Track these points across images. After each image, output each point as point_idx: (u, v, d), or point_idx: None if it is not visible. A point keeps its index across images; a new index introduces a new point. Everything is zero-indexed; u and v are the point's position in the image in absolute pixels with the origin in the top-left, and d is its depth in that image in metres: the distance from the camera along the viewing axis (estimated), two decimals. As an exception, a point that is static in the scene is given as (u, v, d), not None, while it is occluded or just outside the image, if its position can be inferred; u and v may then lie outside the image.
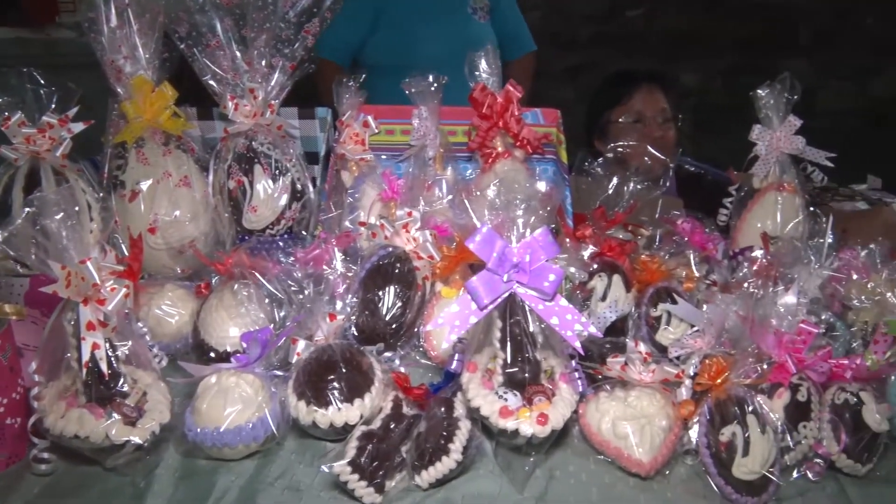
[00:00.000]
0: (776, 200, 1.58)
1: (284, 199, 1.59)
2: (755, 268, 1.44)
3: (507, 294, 1.14)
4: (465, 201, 1.23)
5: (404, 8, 2.81)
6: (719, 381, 1.15)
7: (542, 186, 1.52)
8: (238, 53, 1.55)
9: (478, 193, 1.30)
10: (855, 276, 1.35)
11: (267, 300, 1.35)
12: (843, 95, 4.33)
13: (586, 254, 1.48)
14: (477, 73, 1.63)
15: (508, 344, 1.17)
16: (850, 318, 1.39)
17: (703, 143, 3.92)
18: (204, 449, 1.16)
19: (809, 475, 1.14)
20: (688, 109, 3.96)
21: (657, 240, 1.59)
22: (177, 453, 1.18)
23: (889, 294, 1.27)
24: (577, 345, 1.14)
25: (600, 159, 1.71)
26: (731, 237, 1.62)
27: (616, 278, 1.44)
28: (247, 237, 1.58)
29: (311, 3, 1.56)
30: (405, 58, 1.56)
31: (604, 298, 1.42)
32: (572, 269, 1.43)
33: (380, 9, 2.83)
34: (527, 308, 1.16)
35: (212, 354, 1.34)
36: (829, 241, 1.43)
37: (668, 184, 1.69)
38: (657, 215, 1.70)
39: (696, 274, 1.50)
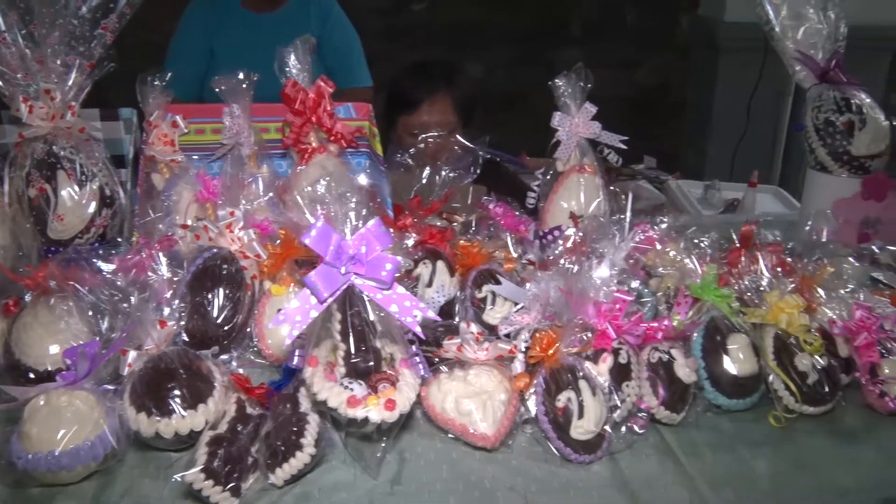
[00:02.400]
0: (579, 181, 1.69)
1: (93, 206, 1.52)
2: (568, 245, 1.53)
3: (345, 286, 1.16)
4: (297, 197, 1.24)
5: (234, 47, 2.96)
6: (551, 352, 1.24)
7: (363, 179, 1.56)
8: (28, 51, 1.45)
9: (308, 189, 1.31)
10: (658, 246, 1.48)
11: (89, 312, 1.29)
12: (612, 84, 4.66)
13: (409, 242, 1.52)
14: (287, 68, 1.63)
15: (349, 335, 1.19)
16: (653, 285, 1.52)
17: (489, 131, 4.11)
18: (37, 476, 1.10)
19: (636, 428, 1.25)
20: (479, 99, 4.13)
21: (473, 225, 1.67)
22: (3, 485, 1.11)
23: (686, 259, 1.40)
24: (418, 329, 1.18)
25: (411, 150, 1.76)
26: (539, 218, 1.71)
27: (440, 264, 1.50)
28: (54, 248, 1.49)
29: (107, -1, 1.50)
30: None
31: (430, 284, 1.47)
32: (399, 258, 1.47)
33: (213, 48, 2.89)
34: (365, 298, 1.18)
35: (31, 375, 1.26)
36: (629, 216, 1.56)
37: (477, 172, 1.77)
38: (469, 202, 1.78)
39: (514, 255, 1.59)
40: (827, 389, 1.31)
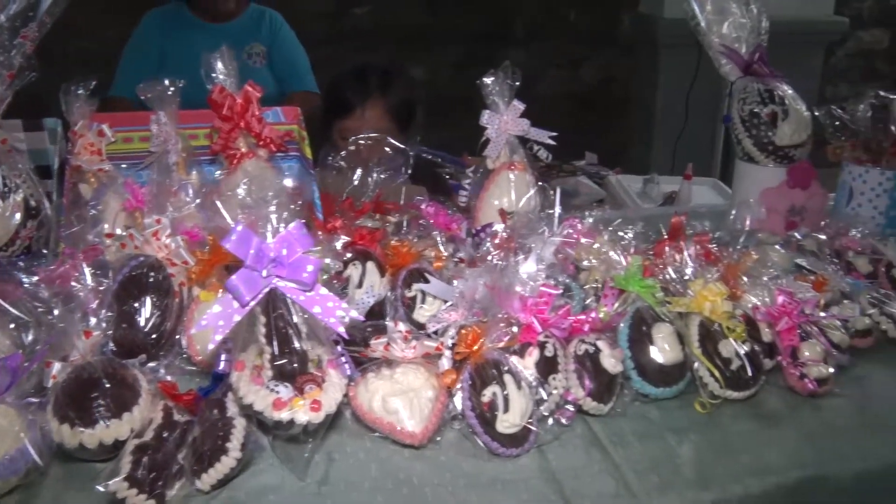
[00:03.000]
0: (509, 178, 1.70)
1: (17, 218, 1.50)
2: (496, 241, 1.54)
3: (267, 289, 1.16)
4: (217, 203, 1.23)
5: (183, 53, 2.90)
6: (476, 347, 1.24)
7: (289, 182, 1.55)
8: (-59, 62, 1.44)
9: (229, 194, 1.31)
10: (583, 240, 1.49)
11: (12, 325, 1.27)
12: (559, 82, 4.70)
13: (339, 244, 1.52)
14: (214, 74, 1.62)
15: (274, 338, 1.19)
16: (582, 279, 1.53)
17: (436, 132, 4.12)
18: (-45, 493, 1.08)
19: (563, 420, 1.26)
20: (419, 101, 4.13)
21: (405, 225, 1.67)
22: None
23: (612, 252, 1.42)
24: (342, 330, 1.18)
25: (343, 153, 1.76)
26: (472, 216, 1.72)
27: (370, 265, 1.50)
28: (-24, 262, 1.47)
29: (26, 7, 1.48)
30: (185, 103, 1.57)
31: (360, 285, 1.47)
32: (327, 260, 1.47)
33: (163, 52, 2.96)
34: (288, 300, 1.18)
35: (-52, 391, 1.24)
36: (558, 211, 1.57)
37: (409, 172, 1.77)
38: (402, 202, 1.78)
39: (444, 253, 1.59)
40: (750, 374, 1.33)
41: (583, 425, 1.28)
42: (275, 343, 1.19)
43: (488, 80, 1.72)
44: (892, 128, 1.87)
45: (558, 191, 1.61)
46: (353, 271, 1.49)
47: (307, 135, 1.75)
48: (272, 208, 1.20)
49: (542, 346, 1.29)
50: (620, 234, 1.49)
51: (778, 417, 1.32)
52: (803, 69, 4.18)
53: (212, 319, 1.15)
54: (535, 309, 1.31)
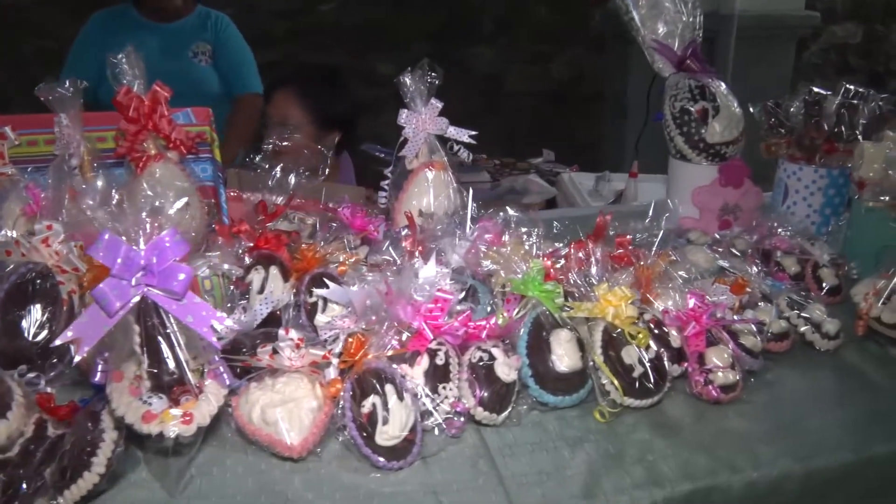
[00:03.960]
0: (427, 178, 1.65)
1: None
2: (406, 244, 1.50)
3: (137, 298, 1.12)
4: (85, 208, 1.19)
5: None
6: (358, 356, 1.20)
7: (187, 185, 1.51)
8: None
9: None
10: (491, 242, 1.44)
11: None
12: (527, 78, 4.63)
13: (242, 249, 1.47)
14: (119, 74, 1.57)
15: (149, 348, 1.14)
16: (494, 283, 1.48)
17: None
18: None
19: (452, 431, 1.21)
20: (387, 98, 4.08)
21: (317, 228, 1.63)
22: None
23: (515, 256, 1.37)
24: (214, 339, 1.14)
25: (261, 153, 1.72)
26: (391, 218, 1.68)
27: (273, 270, 1.45)
28: None
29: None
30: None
31: (261, 291, 1.43)
32: (226, 266, 1.43)
33: (110, 53, 2.95)
34: (161, 310, 1.14)
35: None
36: (472, 212, 1.53)
37: (326, 172, 1.73)
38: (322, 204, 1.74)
39: (355, 256, 1.54)
40: (653, 382, 1.28)
41: (475, 436, 1.23)
42: (151, 353, 1.15)
43: (405, 79, 1.66)
44: (825, 125, 1.81)
45: (470, 191, 1.57)
46: (255, 277, 1.44)
47: (248, 136, 1.72)
48: (143, 215, 1.15)
49: (433, 354, 1.24)
50: (524, 236, 1.43)
51: (678, 426, 1.27)
52: (775, 64, 4.12)
53: (79, 329, 1.11)
54: (428, 315, 1.26)
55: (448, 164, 1.69)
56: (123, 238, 1.13)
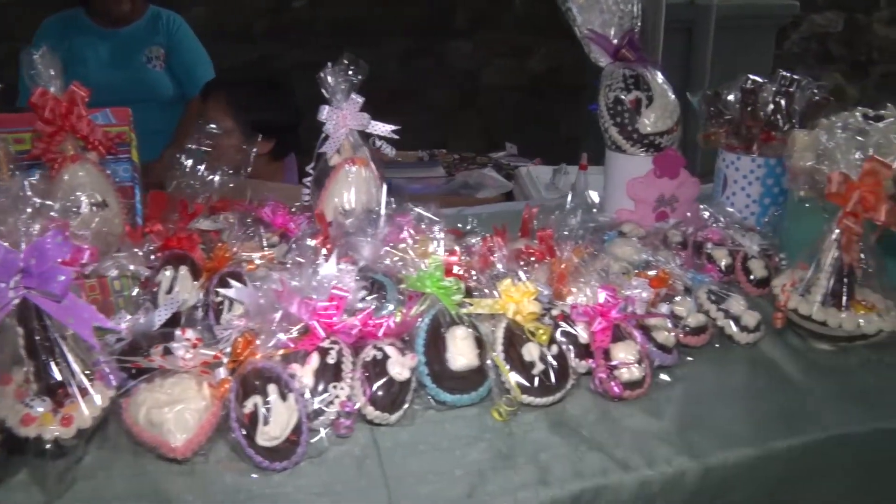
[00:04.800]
0: (349, 174, 1.62)
1: None
2: (316, 242, 1.47)
3: (17, 301, 1.10)
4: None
5: (84, 60, 3.03)
6: (244, 355, 1.18)
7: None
8: None
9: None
10: (395, 239, 1.42)
11: None
12: (505, 72, 4.59)
13: (152, 249, 1.46)
14: (34, 74, 1.55)
15: (33, 351, 1.13)
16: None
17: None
18: None
19: (341, 431, 1.19)
20: (364, 94, 4.05)
21: (235, 226, 1.60)
22: None
23: (413, 253, 1.34)
24: (94, 341, 1.12)
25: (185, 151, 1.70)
26: (314, 215, 1.65)
27: (183, 270, 1.43)
28: None
29: None
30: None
31: (170, 291, 1.41)
32: (131, 267, 1.42)
33: (64, 60, 2.95)
34: (44, 313, 1.12)
35: None
36: (385, 209, 1.50)
37: (248, 170, 1.71)
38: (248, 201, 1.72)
39: (270, 255, 1.52)
40: (554, 379, 1.25)
41: (367, 436, 1.21)
42: (35, 357, 1.13)
43: (326, 74, 1.63)
44: (762, 113, 1.77)
45: (384, 187, 1.54)
46: (164, 277, 1.42)
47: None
48: (24, 216, 1.14)
49: (324, 352, 1.22)
50: (429, 232, 1.40)
51: (579, 424, 1.23)
52: (755, 54, 4.07)
53: (-45, 333, 1.09)
54: (323, 313, 1.24)
55: (371, 159, 1.66)
56: (5, 242, 1.11)
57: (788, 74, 1.78)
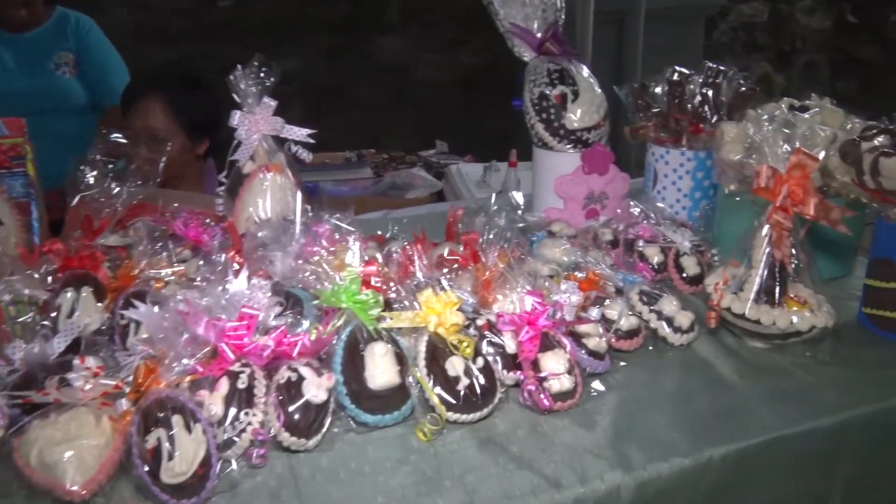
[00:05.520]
0: (264, 182, 1.54)
1: None
2: (230, 255, 1.39)
3: None
4: None
5: None
6: (146, 384, 1.09)
7: None
8: None
9: None
10: (311, 252, 1.34)
11: None
12: (438, 67, 4.52)
13: (49, 270, 1.35)
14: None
15: None
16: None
17: (312, 124, 3.94)
18: None
19: (254, 461, 1.11)
20: (293, 94, 3.95)
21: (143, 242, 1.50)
22: None
23: (326, 266, 1.26)
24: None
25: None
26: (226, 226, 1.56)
27: (86, 291, 1.33)
28: None
29: None
30: None
31: (71, 315, 1.31)
32: (26, 291, 1.31)
33: None
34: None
35: None
36: (298, 216, 1.42)
37: (158, 179, 1.61)
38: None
39: (179, 271, 1.43)
40: (480, 394, 1.18)
41: (283, 464, 1.13)
42: None
43: (236, 77, 1.55)
44: (690, 106, 1.73)
45: (299, 194, 1.45)
46: (65, 300, 1.32)
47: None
48: None
49: (234, 377, 1.13)
50: (347, 240, 1.32)
51: (508, 441, 1.17)
52: (685, 45, 4.06)
53: None
54: (233, 335, 1.15)
55: (288, 165, 1.57)
56: None
57: (715, 65, 1.74)
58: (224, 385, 1.13)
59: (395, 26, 4.22)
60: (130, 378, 1.13)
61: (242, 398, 1.13)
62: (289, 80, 4.24)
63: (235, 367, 1.15)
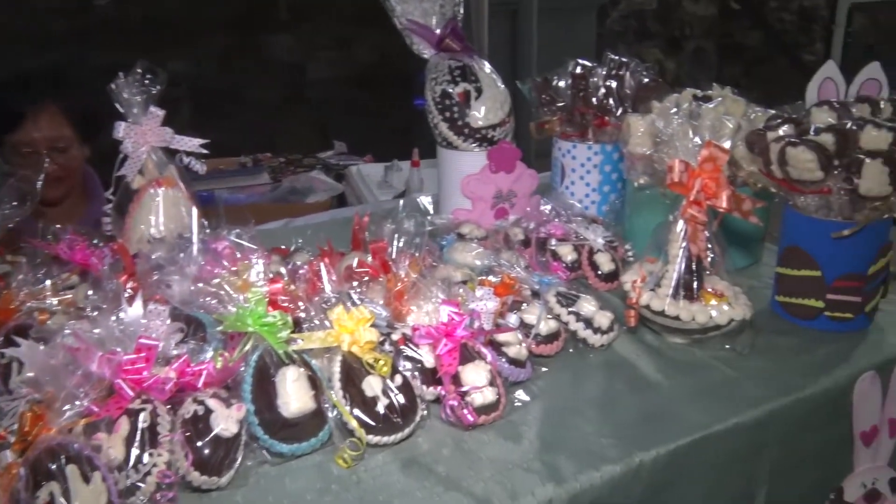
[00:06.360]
0: (155, 198, 1.44)
1: None
2: (121, 280, 1.28)
3: None
4: None
5: None
6: (35, 431, 0.99)
7: None
8: None
9: None
10: (210, 272, 1.25)
11: None
12: (332, 65, 4.43)
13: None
14: None
15: None
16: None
17: (206, 128, 3.79)
18: None
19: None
20: (181, 98, 3.80)
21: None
22: None
23: (228, 287, 1.18)
24: None
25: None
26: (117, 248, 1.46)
27: (-43, 329, 1.22)
28: None
29: None
30: None
31: (-59, 357, 1.19)
32: None
33: None
34: None
35: None
36: (195, 232, 1.33)
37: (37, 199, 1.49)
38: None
39: (66, 300, 1.32)
40: (401, 414, 1.13)
41: (196, 502, 1.05)
42: None
43: (119, 86, 1.44)
44: (594, 99, 1.71)
45: (194, 211, 1.37)
46: (-66, 338, 1.20)
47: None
48: None
49: (134, 415, 1.04)
50: (249, 258, 1.24)
51: (434, 461, 1.11)
52: (578, 34, 4.09)
53: None
54: (131, 369, 1.06)
55: (180, 178, 1.48)
56: None
57: (616, 57, 1.72)
58: (123, 425, 1.03)
59: (287, 24, 4.11)
60: (15, 426, 1.03)
61: (145, 438, 1.03)
62: (177, 83, 4.08)
63: (135, 405, 1.05)
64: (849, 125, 1.31)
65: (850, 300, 1.40)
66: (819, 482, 1.37)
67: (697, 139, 1.31)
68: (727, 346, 1.37)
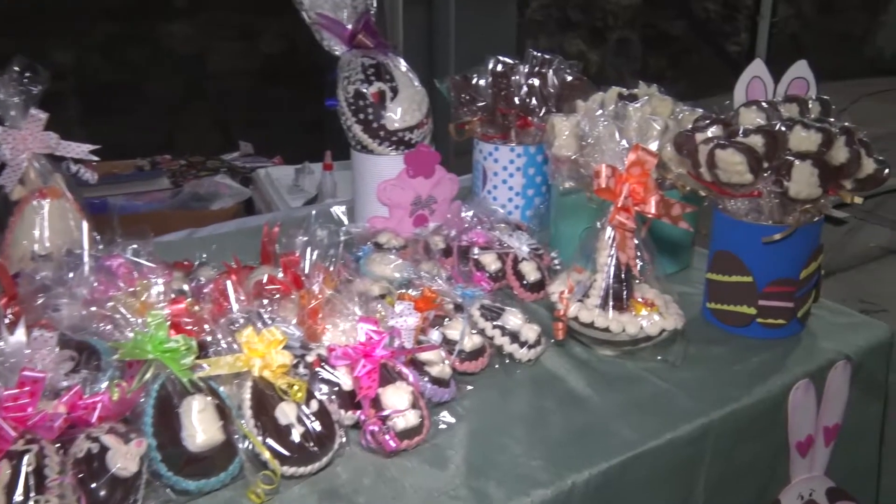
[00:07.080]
0: (39, 211, 1.38)
1: None
2: (0, 304, 1.23)
3: None
4: None
5: None
6: None
7: None
8: None
9: None
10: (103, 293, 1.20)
11: None
12: (234, 56, 4.34)
13: None
14: None
15: None
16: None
17: (97, 126, 3.66)
18: None
19: (51, 557, 0.97)
20: (67, 93, 3.67)
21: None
22: None
23: (123, 309, 1.13)
24: None
25: None
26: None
27: None
28: None
29: None
30: None
31: None
32: None
33: None
34: None
35: None
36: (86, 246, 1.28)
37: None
38: None
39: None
40: (318, 442, 1.10)
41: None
42: None
43: (-4, 88, 1.37)
44: (516, 98, 1.71)
45: (84, 224, 1.31)
46: None
47: None
48: None
49: (17, 458, 0.99)
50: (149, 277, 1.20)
51: (355, 491, 1.09)
52: (497, 25, 4.10)
53: None
54: (10, 405, 1.01)
55: (68, 188, 1.42)
56: None
57: (539, 54, 1.73)
58: (4, 470, 0.98)
59: (183, 11, 3.99)
60: None
61: (30, 484, 0.98)
62: (62, 76, 3.92)
63: (18, 446, 1.00)
64: (778, 126, 1.33)
65: (782, 306, 1.43)
66: (756, 494, 1.40)
67: (624, 142, 1.32)
68: (659, 358, 1.38)
